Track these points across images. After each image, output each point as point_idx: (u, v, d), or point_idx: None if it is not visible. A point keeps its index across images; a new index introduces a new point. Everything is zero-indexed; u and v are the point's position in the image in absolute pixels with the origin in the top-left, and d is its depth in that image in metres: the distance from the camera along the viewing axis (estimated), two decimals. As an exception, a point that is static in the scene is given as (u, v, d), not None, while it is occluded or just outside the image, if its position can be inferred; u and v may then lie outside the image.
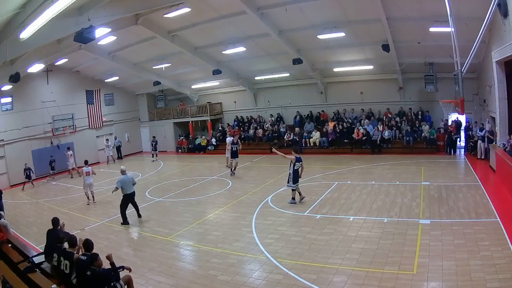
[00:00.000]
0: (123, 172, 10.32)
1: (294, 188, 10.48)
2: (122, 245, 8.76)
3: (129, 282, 5.64)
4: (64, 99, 21.08)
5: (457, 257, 6.37)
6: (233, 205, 11.15)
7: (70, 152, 19.54)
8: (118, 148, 23.86)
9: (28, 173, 17.28)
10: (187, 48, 17.69)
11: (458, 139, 16.88)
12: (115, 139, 23.92)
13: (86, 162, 13.41)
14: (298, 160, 10.49)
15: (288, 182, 10.57)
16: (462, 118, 16.72)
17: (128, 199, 10.22)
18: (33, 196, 15.45)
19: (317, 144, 19.60)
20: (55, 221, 7.23)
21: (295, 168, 10.37)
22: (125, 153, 24.43)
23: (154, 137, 23.02)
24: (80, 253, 5.84)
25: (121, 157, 23.92)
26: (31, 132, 19.41)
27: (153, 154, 22.11)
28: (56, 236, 7.03)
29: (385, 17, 12.90)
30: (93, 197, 12.97)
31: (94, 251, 5.65)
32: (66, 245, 6.05)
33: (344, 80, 20.09)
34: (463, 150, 16.87)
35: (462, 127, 16.89)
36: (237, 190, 12.84)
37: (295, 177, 10.39)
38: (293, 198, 10.57)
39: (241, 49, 16.88)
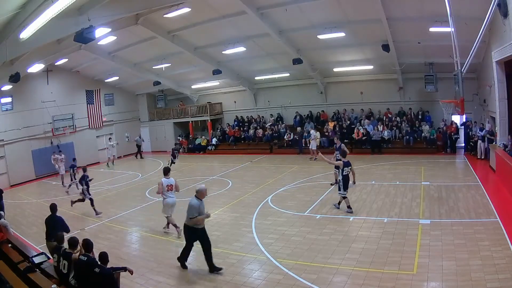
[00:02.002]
0: (197, 194, 7.21)
1: (345, 195, 9.47)
2: (122, 245, 8.74)
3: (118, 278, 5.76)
4: (64, 99, 21.05)
5: (457, 257, 6.37)
6: (233, 205, 11.14)
7: (61, 156, 17.21)
8: (139, 147, 23.62)
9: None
10: (187, 48, 17.69)
11: (463, 139, 16.88)
12: (139, 137, 23.73)
13: (166, 172, 8.98)
14: (347, 164, 9.43)
15: (339, 190, 9.53)
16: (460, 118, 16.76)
17: (188, 231, 6.98)
18: (33, 196, 15.44)
19: (317, 144, 19.56)
20: (53, 207, 7.35)
21: (344, 174, 9.35)
22: (125, 153, 24.39)
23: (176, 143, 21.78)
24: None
25: (142, 156, 23.43)
26: (31, 132, 19.37)
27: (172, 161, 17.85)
28: (55, 221, 7.17)
29: (385, 17, 12.89)
30: (169, 224, 9.04)
31: (94, 251, 5.66)
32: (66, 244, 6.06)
33: (344, 80, 20.11)
34: (463, 150, 16.89)
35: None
36: (237, 190, 12.83)
37: (345, 183, 9.38)
38: (339, 203, 9.77)
39: (241, 49, 16.89)
